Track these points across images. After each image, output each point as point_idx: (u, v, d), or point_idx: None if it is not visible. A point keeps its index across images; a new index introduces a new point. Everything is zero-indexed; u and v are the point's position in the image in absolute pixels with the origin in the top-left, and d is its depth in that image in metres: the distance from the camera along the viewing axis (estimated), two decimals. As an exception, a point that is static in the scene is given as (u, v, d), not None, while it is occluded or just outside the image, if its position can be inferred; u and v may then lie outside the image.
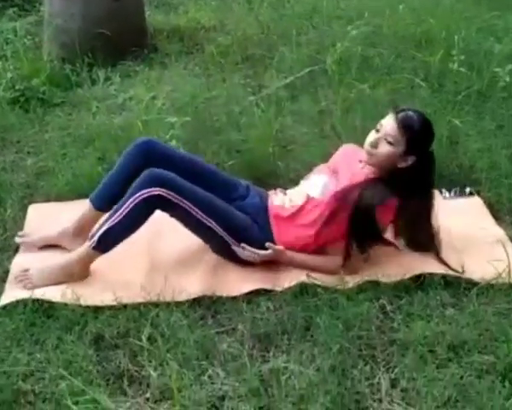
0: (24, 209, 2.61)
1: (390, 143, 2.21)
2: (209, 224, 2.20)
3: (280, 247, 2.24)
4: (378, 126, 2.26)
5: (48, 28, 4.00)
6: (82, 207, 2.44)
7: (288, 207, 2.34)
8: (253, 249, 2.22)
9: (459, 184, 2.82)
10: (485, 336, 2.00)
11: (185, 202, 2.15)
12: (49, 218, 2.50)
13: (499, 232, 2.53)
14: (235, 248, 2.24)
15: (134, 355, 1.91)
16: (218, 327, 2.04)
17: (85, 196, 2.64)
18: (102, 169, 2.75)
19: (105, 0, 3.89)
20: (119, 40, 3.91)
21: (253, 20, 4.51)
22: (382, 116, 3.15)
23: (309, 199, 2.32)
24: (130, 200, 2.11)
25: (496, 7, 4.67)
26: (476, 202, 2.74)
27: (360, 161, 2.33)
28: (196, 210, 2.17)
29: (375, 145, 2.24)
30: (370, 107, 3.28)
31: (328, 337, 1.95)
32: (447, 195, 2.80)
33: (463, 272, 2.24)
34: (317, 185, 2.34)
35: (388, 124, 2.23)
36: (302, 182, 2.43)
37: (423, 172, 2.28)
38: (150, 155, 2.30)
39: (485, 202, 2.73)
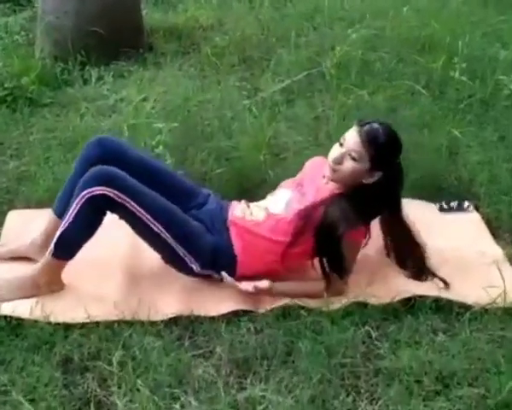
0: (3, 216, 2.52)
1: (354, 159, 2.08)
2: (157, 229, 2.05)
3: (265, 284, 2.09)
4: (341, 140, 2.12)
5: (41, 25, 3.90)
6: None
7: (248, 219, 2.19)
8: (235, 282, 2.08)
9: (458, 198, 2.70)
10: (477, 367, 1.89)
11: (131, 202, 2.01)
12: (27, 226, 2.40)
13: (497, 251, 2.42)
14: (192, 265, 2.11)
15: (103, 379, 1.81)
16: (194, 350, 1.94)
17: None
18: (85, 175, 2.64)
19: (99, -2, 3.78)
20: (113, 39, 3.79)
21: (253, 20, 4.38)
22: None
23: (269, 214, 2.18)
24: (76, 201, 1.99)
25: (504, 11, 4.53)
26: (474, 218, 2.63)
27: (324, 177, 2.20)
28: (143, 212, 2.03)
29: (339, 161, 2.10)
30: (368, 114, 3.14)
31: (310, 365, 1.85)
32: (444, 205, 2.68)
33: (448, 286, 2.15)
34: (280, 201, 2.21)
35: (352, 138, 2.10)
36: (268, 196, 2.30)
37: (390, 186, 2.16)
38: (104, 155, 2.17)
39: (483, 218, 2.61)
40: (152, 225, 2.05)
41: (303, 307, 2.06)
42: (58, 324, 1.96)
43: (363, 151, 2.08)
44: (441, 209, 2.68)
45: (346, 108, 3.22)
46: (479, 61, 3.65)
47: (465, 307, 2.10)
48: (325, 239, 2.08)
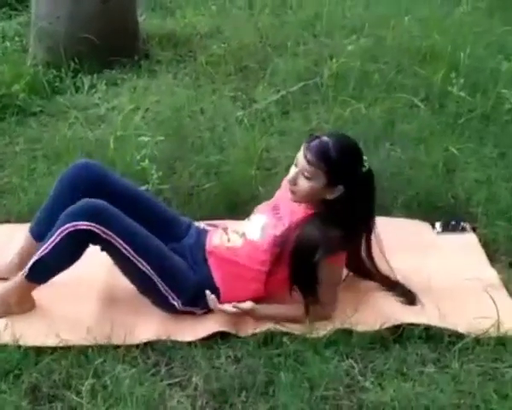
0: (-18, 230, 2.45)
1: (307, 177, 1.98)
2: (142, 266, 1.97)
3: (248, 305, 2.00)
4: (295, 160, 2.02)
5: (33, 30, 3.83)
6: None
7: (225, 246, 2.10)
8: (217, 304, 2.00)
9: (453, 218, 2.60)
10: (467, 403, 1.79)
11: (117, 239, 1.94)
12: (6, 241, 2.33)
13: (493, 276, 2.31)
14: (174, 302, 2.02)
15: (72, 410, 1.73)
16: (170, 378, 1.85)
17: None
18: (68, 189, 2.56)
19: (93, 3, 3.70)
20: (107, 45, 3.72)
21: (252, 27, 4.30)
22: (376, 138, 3.02)
23: (247, 241, 2.08)
24: (57, 232, 1.91)
25: (509, 21, 4.42)
26: (471, 240, 2.53)
27: None
28: (129, 249, 1.95)
29: (293, 182, 2.00)
30: (364, 128, 3.08)
31: (290, 398, 1.75)
32: (440, 229, 2.58)
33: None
34: (256, 227, 2.10)
35: (302, 156, 1.99)
36: (245, 222, 2.19)
37: (357, 199, 2.01)
38: (88, 179, 2.10)
39: (480, 240, 2.51)
40: (137, 262, 1.98)
41: (286, 334, 1.97)
42: (28, 348, 1.88)
43: (314, 169, 1.97)
44: (439, 229, 2.58)
45: (342, 121, 3.13)
46: (480, 73, 3.56)
47: (456, 336, 2.00)
48: (300, 265, 1.99)
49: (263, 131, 3.04)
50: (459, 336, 2.00)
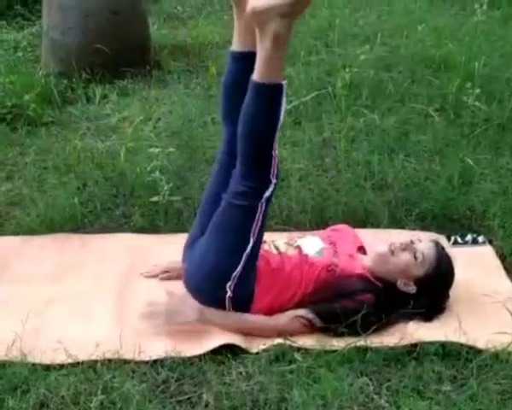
0: (-8, 242, 2.43)
1: (416, 258, 2.07)
2: (249, 241, 1.97)
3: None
4: (413, 238, 2.13)
5: (45, 41, 3.83)
6: (49, 244, 2.26)
7: (277, 252, 2.11)
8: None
9: (470, 231, 2.55)
10: (485, 423, 1.74)
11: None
12: (13, 255, 2.31)
13: (510, 290, 2.26)
14: (227, 290, 1.98)
15: (80, 427, 1.70)
16: (179, 395, 1.80)
17: (56, 231, 2.48)
18: (79, 201, 2.54)
19: (104, 14, 3.70)
20: (118, 56, 3.72)
21: (264, 37, 4.26)
22: (390, 149, 2.98)
23: (301, 254, 2.10)
24: None
25: (525, 29, 4.38)
26: (487, 252, 2.47)
27: (359, 249, 2.22)
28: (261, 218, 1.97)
29: (404, 247, 2.09)
30: (378, 139, 3.04)
31: (303, 417, 1.71)
32: (459, 239, 2.53)
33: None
34: (314, 246, 2.13)
35: (428, 247, 2.11)
36: (293, 236, 2.23)
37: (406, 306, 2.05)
38: None
39: (497, 253, 2.45)
40: (251, 236, 1.97)
41: (299, 349, 1.93)
42: (36, 363, 1.85)
43: (427, 262, 2.07)
44: (455, 243, 2.53)
45: (355, 132, 3.09)
46: (496, 82, 3.50)
47: (474, 352, 1.95)
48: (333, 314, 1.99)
49: (275, 141, 3.00)
50: (477, 353, 1.94)
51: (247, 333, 1.99)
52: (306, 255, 2.10)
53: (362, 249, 2.30)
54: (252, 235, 1.97)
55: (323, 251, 2.13)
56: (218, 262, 1.99)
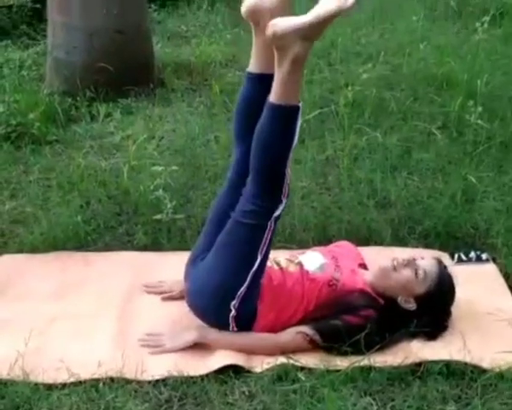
0: (-5, 260, 2.43)
1: (417, 275, 2.07)
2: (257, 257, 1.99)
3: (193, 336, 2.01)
4: (416, 256, 2.14)
5: (49, 60, 3.86)
6: (52, 262, 2.26)
7: (279, 267, 2.11)
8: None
9: (473, 248, 2.54)
10: (490, 444, 1.72)
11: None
12: (16, 273, 2.31)
13: (515, 308, 2.25)
14: (232, 308, 1.98)
15: (80, 448, 1.69)
16: (182, 415, 1.80)
17: (59, 249, 2.48)
18: (82, 219, 2.55)
19: (109, 33, 3.73)
20: (122, 74, 3.74)
21: (267, 56, 4.29)
22: (392, 167, 2.98)
23: (303, 270, 2.10)
24: None
25: (526, 47, 4.39)
26: (491, 270, 2.46)
27: (360, 264, 2.23)
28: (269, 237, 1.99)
29: (406, 263, 2.09)
30: (380, 157, 3.04)
31: (306, 437, 1.70)
32: (463, 257, 2.52)
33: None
34: (315, 262, 2.13)
35: (430, 264, 2.12)
36: (295, 253, 2.24)
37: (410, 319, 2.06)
38: None
39: (500, 271, 2.44)
40: (259, 254, 1.98)
41: (302, 369, 1.92)
42: (39, 382, 1.84)
43: (429, 279, 2.07)
44: (459, 260, 2.52)
45: (358, 150, 3.09)
46: (498, 100, 3.51)
47: (479, 371, 1.94)
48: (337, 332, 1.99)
49: (278, 159, 3.00)
50: (481, 372, 1.93)
51: (250, 352, 1.99)
52: (307, 271, 2.10)
53: (363, 265, 2.30)
54: (259, 253, 1.98)
55: (324, 266, 2.13)
56: (224, 281, 1.98)
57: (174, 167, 2.72)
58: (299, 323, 2.03)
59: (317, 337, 1.98)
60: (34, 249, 2.48)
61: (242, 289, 1.97)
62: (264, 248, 1.99)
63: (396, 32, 4.63)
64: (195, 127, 3.38)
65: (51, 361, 1.90)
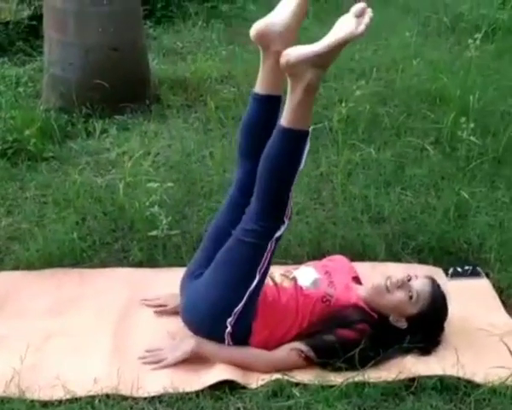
0: (-9, 277, 2.44)
1: (411, 297, 2.09)
2: (255, 276, 2.00)
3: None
4: (410, 275, 2.14)
5: (46, 77, 3.89)
6: (48, 279, 2.29)
7: (273, 283, 2.13)
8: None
9: (466, 264, 2.57)
10: (483, 459, 1.73)
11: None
12: (12, 290, 2.32)
13: (508, 323, 2.27)
14: (228, 325, 1.99)
15: None
16: (177, 432, 1.81)
17: (55, 265, 2.49)
18: (78, 236, 2.56)
19: (104, 50, 3.75)
20: (118, 91, 3.76)
21: (262, 72, 4.33)
22: (386, 182, 3.01)
23: (297, 286, 2.12)
24: None
25: (519, 63, 4.44)
26: (484, 285, 2.49)
27: (354, 279, 2.25)
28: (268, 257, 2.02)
29: (399, 285, 2.10)
30: (374, 173, 3.07)
31: (300, 453, 1.71)
32: (458, 269, 2.54)
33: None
34: (308, 277, 2.15)
35: (423, 284, 2.13)
36: (289, 269, 2.25)
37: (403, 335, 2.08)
38: None
39: (494, 285, 2.47)
40: (257, 273, 1.99)
41: (297, 385, 1.93)
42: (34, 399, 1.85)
43: (421, 300, 2.09)
44: (454, 273, 2.54)
45: (352, 166, 3.12)
46: (491, 115, 3.55)
47: (472, 386, 1.95)
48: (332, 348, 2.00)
49: (272, 175, 3.03)
50: (475, 387, 1.95)
51: (245, 367, 2.00)
52: (301, 287, 2.11)
53: (357, 279, 2.32)
54: (258, 272, 2.00)
55: (318, 282, 2.15)
56: (221, 297, 2.00)
57: (169, 184, 2.73)
58: (294, 339, 2.04)
59: (311, 354, 1.99)
60: (30, 266, 2.49)
61: (239, 306, 1.99)
62: (263, 268, 2.01)
63: (389, 48, 4.67)
64: (191, 143, 3.40)
65: (47, 378, 1.91)
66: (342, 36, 1.83)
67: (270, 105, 2.05)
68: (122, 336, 2.12)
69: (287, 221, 2.00)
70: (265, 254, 2.00)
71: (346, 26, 1.83)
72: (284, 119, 1.90)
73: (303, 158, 1.94)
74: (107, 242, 2.64)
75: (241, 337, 2.02)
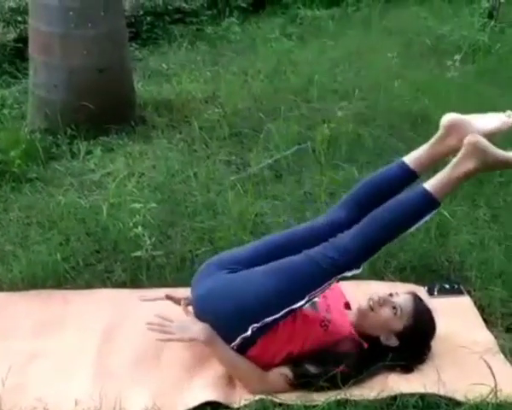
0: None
1: (395, 313, 2.13)
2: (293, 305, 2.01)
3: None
4: (393, 292, 2.19)
5: (31, 98, 3.91)
6: (32, 300, 2.29)
7: None
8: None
9: (448, 281, 2.60)
10: None
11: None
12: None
13: (489, 340, 2.29)
14: (242, 334, 1.99)
15: None
16: (159, 453, 1.81)
17: (39, 287, 2.49)
18: (61, 257, 2.56)
19: (89, 72, 3.77)
20: (103, 112, 3.78)
21: (246, 93, 4.37)
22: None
23: None
24: None
25: (499, 83, 4.52)
26: (466, 303, 2.51)
27: (345, 304, 2.28)
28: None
29: (382, 303, 2.13)
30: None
31: None
32: (434, 293, 2.56)
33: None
34: None
35: (407, 300, 2.17)
36: None
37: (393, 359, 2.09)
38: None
39: (475, 303, 2.50)
40: (307, 296, 2.00)
41: (280, 404, 1.94)
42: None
43: (405, 314, 2.12)
44: (441, 289, 2.57)
45: (335, 186, 3.15)
46: (472, 136, 3.59)
47: (454, 404, 1.97)
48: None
49: (256, 195, 3.06)
50: (456, 404, 1.96)
51: (239, 378, 2.01)
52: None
53: (347, 305, 2.34)
54: (308, 296, 2.01)
55: (317, 305, 2.16)
56: (261, 301, 1.99)
57: (153, 204, 2.75)
58: (285, 359, 2.03)
59: (296, 381, 2.00)
60: (13, 287, 2.48)
61: (272, 318, 1.98)
62: (313, 296, 2.03)
63: (372, 70, 4.74)
64: (175, 164, 3.42)
65: (29, 400, 1.91)
66: None
67: (409, 180, 2.18)
68: (105, 358, 2.12)
69: (361, 268, 2.05)
70: (324, 285, 2.02)
71: None
72: (431, 182, 2.04)
73: (419, 224, 2.05)
74: (91, 263, 2.64)
75: (246, 345, 2.00)
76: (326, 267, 2.00)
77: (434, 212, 2.06)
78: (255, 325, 1.98)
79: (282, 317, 1.99)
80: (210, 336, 2.00)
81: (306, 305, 2.09)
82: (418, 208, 2.03)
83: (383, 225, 2.03)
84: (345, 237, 2.03)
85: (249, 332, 1.98)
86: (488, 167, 2.04)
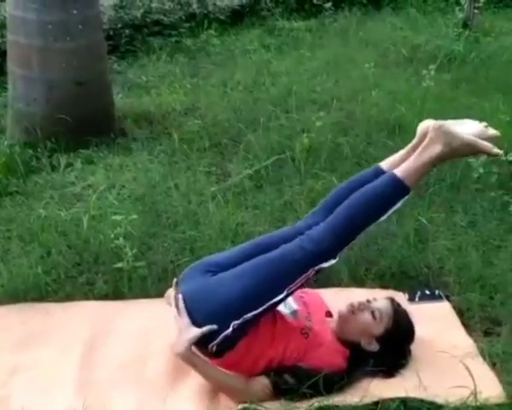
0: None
1: (374, 317, 2.16)
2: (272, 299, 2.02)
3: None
4: (370, 298, 2.22)
5: (10, 112, 3.89)
6: (14, 314, 2.27)
7: None
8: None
9: (427, 287, 2.63)
10: None
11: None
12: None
13: (469, 344, 2.33)
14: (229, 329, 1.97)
15: None
16: None
17: (20, 300, 2.48)
18: (42, 270, 2.56)
19: (69, 85, 3.77)
20: (83, 125, 3.78)
21: (226, 104, 4.41)
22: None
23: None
24: None
25: (474, 92, 4.60)
26: (445, 308, 2.55)
27: (326, 313, 2.29)
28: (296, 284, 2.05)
29: (362, 308, 2.17)
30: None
31: None
32: (413, 299, 2.60)
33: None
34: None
35: (384, 304, 2.20)
36: None
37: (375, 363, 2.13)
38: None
39: (454, 308, 2.53)
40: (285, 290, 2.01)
41: (263, 413, 1.95)
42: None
43: (385, 318, 2.15)
44: (423, 295, 2.60)
45: (315, 194, 3.18)
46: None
47: (435, 408, 2.00)
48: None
49: (237, 205, 3.08)
50: (437, 408, 1.99)
51: (222, 389, 2.02)
52: (282, 315, 2.13)
53: (328, 313, 2.36)
54: (286, 290, 2.02)
55: (297, 313, 2.18)
56: (242, 297, 1.99)
57: (134, 216, 2.76)
58: (268, 365, 2.04)
59: (276, 392, 2.02)
60: (-6, 302, 2.48)
61: (251, 314, 1.98)
62: (292, 289, 2.03)
63: (349, 80, 4.80)
64: (156, 175, 3.43)
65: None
66: (481, 142, 2.03)
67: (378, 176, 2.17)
68: (88, 370, 2.12)
69: (337, 258, 2.06)
70: (301, 277, 2.02)
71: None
72: (400, 170, 2.06)
73: (391, 211, 2.07)
74: (72, 275, 2.64)
75: (224, 347, 1.99)
76: (302, 259, 2.02)
77: (405, 198, 2.07)
78: (235, 322, 1.97)
79: (261, 313, 1.99)
80: (187, 351, 1.98)
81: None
82: (389, 195, 2.06)
83: (355, 213, 2.05)
84: (318, 228, 2.06)
85: (230, 329, 1.97)
86: (454, 150, 2.04)
